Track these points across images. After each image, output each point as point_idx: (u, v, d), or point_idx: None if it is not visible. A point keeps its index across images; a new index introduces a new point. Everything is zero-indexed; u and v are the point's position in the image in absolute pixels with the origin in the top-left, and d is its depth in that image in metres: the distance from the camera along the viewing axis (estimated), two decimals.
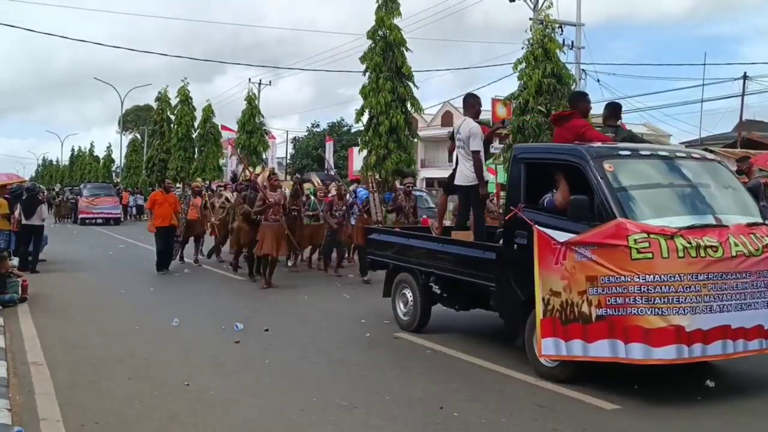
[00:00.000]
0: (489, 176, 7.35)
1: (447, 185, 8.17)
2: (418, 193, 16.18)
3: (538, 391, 5.49)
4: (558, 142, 6.53)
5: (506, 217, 6.15)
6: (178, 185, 35.45)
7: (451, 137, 7.61)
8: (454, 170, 7.55)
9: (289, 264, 13.38)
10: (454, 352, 6.75)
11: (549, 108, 12.97)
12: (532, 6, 19.60)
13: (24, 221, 12.54)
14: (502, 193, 14.88)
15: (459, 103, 48.07)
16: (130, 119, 68.17)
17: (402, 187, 12.29)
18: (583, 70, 22.18)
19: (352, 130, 47.05)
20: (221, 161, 33.22)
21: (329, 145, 28.07)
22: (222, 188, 16.02)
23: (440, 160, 47.22)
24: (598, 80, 27.20)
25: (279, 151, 44.47)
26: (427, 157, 46.78)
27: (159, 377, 5.84)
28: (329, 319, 8.54)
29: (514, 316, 6.18)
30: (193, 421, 4.76)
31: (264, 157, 29.45)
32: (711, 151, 16.56)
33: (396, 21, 16.47)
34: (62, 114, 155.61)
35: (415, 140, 17.42)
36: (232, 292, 10.83)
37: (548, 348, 5.48)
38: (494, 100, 22.02)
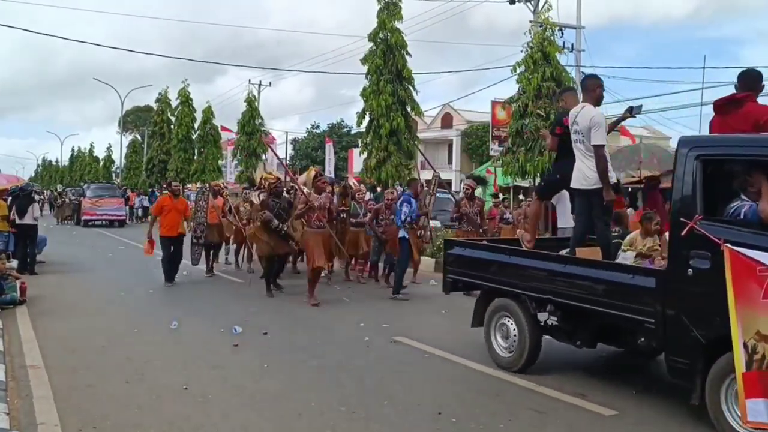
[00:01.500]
0: (609, 176, 5.86)
1: (542, 189, 7.21)
2: (443, 195, 15.73)
3: (537, 397, 5.49)
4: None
5: (683, 232, 4.69)
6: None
7: (552, 132, 6.56)
8: (556, 171, 6.68)
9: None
10: (453, 357, 6.75)
11: (548, 112, 12.97)
12: (532, 9, 19.64)
13: (18, 221, 12.57)
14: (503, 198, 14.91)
15: (459, 105, 47.35)
16: (131, 120, 68.18)
17: (463, 190, 11.46)
18: (582, 72, 22.20)
19: (352, 132, 47.12)
20: (220, 162, 33.20)
21: (329, 147, 28.02)
22: (247, 191, 14.67)
23: (439, 162, 47.22)
24: None
25: (278, 152, 44.46)
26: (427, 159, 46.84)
27: (157, 381, 5.84)
28: (328, 323, 8.54)
29: (688, 364, 4.75)
30: (191, 426, 4.76)
31: (264, 158, 29.44)
32: None
33: (397, 24, 16.49)
34: (62, 114, 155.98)
35: (416, 143, 17.42)
36: (231, 295, 10.82)
37: (758, 413, 4.15)
38: (494, 103, 22.10)
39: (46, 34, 49.26)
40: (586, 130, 5.81)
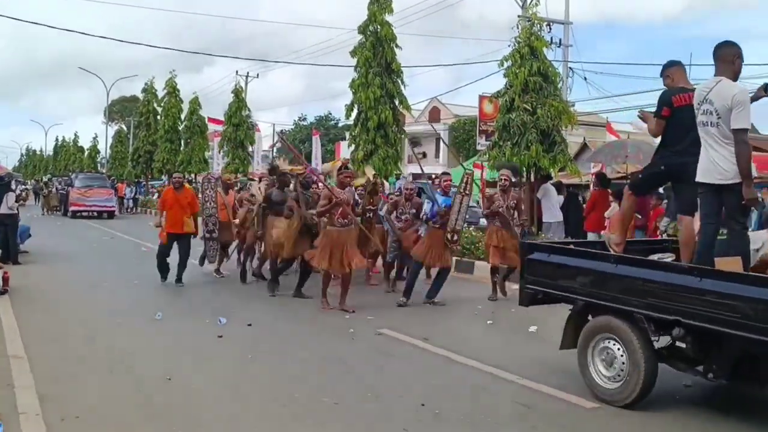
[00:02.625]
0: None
1: (641, 183, 5.96)
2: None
3: (520, 390, 5.53)
4: None
5: None
6: (162, 177, 35.23)
7: (658, 114, 5.37)
8: (660, 162, 5.54)
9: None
10: (438, 349, 6.76)
11: (534, 106, 13.03)
12: (520, 3, 19.68)
13: None
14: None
15: (447, 98, 47.28)
16: (116, 110, 67.62)
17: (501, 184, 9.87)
18: (570, 68, 22.33)
19: (340, 124, 47.03)
20: (207, 154, 33.04)
21: (316, 139, 27.91)
22: (252, 181, 13.41)
23: (427, 156, 47.24)
24: (585, 78, 27.36)
25: (265, 143, 44.27)
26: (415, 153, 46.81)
27: (141, 371, 5.82)
28: (313, 315, 8.54)
29: None
30: (175, 416, 4.75)
31: (250, 150, 29.33)
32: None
33: (387, 17, 16.47)
34: (48, 103, 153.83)
35: (403, 136, 17.43)
36: (216, 287, 10.79)
37: None
38: (481, 97, 22.14)
39: (33, 23, 48.85)
40: (725, 111, 4.70)
